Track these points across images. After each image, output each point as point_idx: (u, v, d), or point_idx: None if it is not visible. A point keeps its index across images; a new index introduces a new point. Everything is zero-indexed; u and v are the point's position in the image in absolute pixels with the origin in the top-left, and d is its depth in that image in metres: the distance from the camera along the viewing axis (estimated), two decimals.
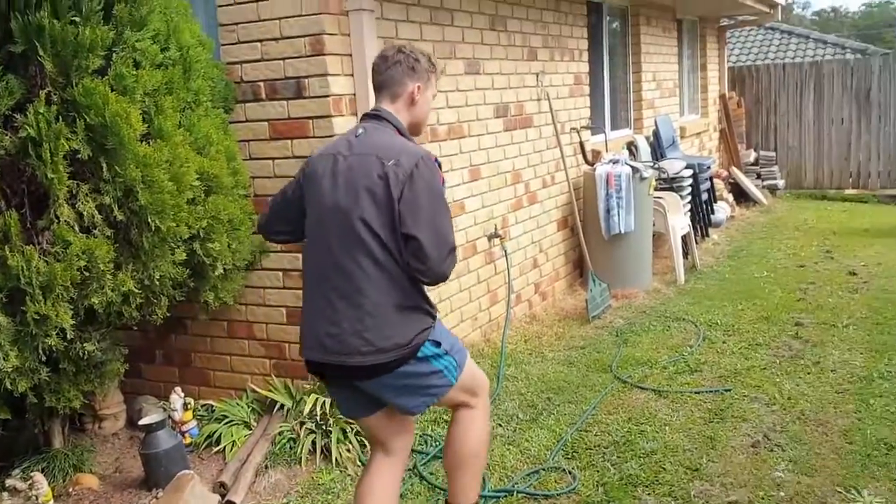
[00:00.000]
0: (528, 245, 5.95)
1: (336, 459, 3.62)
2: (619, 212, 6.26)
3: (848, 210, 10.83)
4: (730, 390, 4.32)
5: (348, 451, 3.67)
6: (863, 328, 5.35)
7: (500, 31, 5.46)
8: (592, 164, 6.69)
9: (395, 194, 2.38)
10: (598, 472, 3.48)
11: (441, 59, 4.77)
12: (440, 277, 2.45)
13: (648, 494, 3.28)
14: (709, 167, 8.80)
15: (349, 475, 3.56)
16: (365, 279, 2.39)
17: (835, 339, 5.14)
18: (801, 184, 12.19)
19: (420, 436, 3.87)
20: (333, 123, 3.86)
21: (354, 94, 4.00)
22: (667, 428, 3.88)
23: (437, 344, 2.52)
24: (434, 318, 2.54)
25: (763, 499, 3.21)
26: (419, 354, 2.46)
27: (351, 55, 3.97)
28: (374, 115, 2.61)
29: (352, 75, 3.98)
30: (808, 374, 4.54)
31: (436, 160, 2.51)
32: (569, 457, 3.64)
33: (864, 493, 3.20)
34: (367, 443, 3.62)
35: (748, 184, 11.14)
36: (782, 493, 3.24)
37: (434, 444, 3.79)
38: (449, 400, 2.65)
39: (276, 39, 3.92)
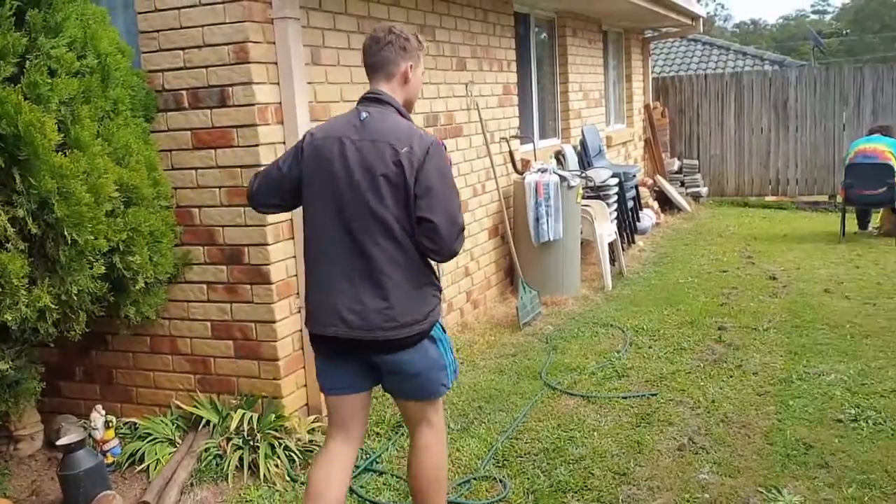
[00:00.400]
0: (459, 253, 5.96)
1: (264, 475, 3.55)
2: (547, 220, 6.34)
3: (768, 216, 11.22)
4: (656, 394, 4.40)
5: (276, 466, 3.60)
6: (782, 331, 5.53)
7: (428, 41, 5.47)
8: (522, 173, 6.76)
9: (409, 180, 2.52)
10: (528, 479, 3.50)
11: None
12: (452, 255, 2.62)
13: (577, 500, 3.31)
14: (634, 175, 9.01)
15: (278, 491, 3.49)
16: (386, 261, 2.55)
17: (756, 342, 5.30)
18: (724, 191, 12.57)
19: None
20: (259, 132, 3.80)
21: (280, 103, 3.94)
22: (595, 433, 3.93)
23: (444, 330, 2.74)
24: (440, 289, 2.74)
25: (689, 501, 3.28)
26: (432, 334, 2.65)
27: (277, 63, 3.92)
28: (374, 98, 2.68)
29: (278, 84, 3.93)
30: (731, 377, 4.67)
31: (442, 143, 2.66)
32: (500, 465, 3.65)
33: (784, 492, 3.29)
34: (297, 461, 3.59)
35: (672, 191, 11.43)
36: (707, 496, 3.31)
37: (364, 457, 3.75)
38: (425, 409, 2.76)
39: (199, 47, 3.84)
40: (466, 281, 6.08)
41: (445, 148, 2.66)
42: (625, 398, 4.37)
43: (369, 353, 2.63)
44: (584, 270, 7.06)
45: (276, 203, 2.82)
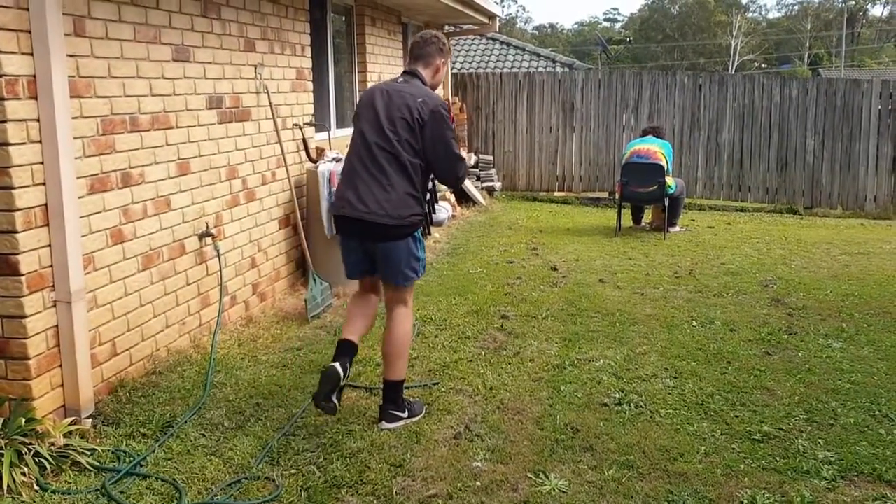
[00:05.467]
0: (245, 244, 5.74)
1: (8, 485, 3.19)
2: None
3: (554, 211, 11.82)
4: (437, 384, 4.46)
5: (24, 474, 3.26)
6: (559, 319, 5.81)
7: (213, 19, 5.20)
8: (316, 162, 6.63)
9: (419, 121, 3.71)
10: (303, 476, 3.41)
11: (143, 42, 4.44)
12: (458, 182, 4.07)
13: (352, 495, 3.26)
14: None
15: (24, 502, 3.16)
16: (391, 171, 3.71)
17: (535, 330, 5.53)
18: (516, 186, 13.09)
19: (112, 452, 3.57)
20: (7, 107, 3.42)
21: (35, 76, 3.57)
22: (374, 426, 3.90)
23: (424, 236, 3.95)
24: (425, 211, 3.92)
25: (461, 490, 3.32)
26: (415, 234, 3.81)
27: (30, 31, 3.55)
28: (411, 72, 3.92)
29: (31, 54, 3.56)
30: (509, 364, 4.83)
31: (445, 105, 3.81)
32: (274, 463, 3.52)
33: (551, 476, 3.42)
34: (48, 468, 3.29)
35: (469, 186, 11.74)
36: (479, 483, 3.37)
37: (129, 459, 3.50)
38: (402, 292, 3.90)
39: None
40: (253, 273, 5.87)
41: (449, 109, 3.81)
42: (407, 388, 4.36)
43: (369, 237, 3.76)
44: None
45: None
